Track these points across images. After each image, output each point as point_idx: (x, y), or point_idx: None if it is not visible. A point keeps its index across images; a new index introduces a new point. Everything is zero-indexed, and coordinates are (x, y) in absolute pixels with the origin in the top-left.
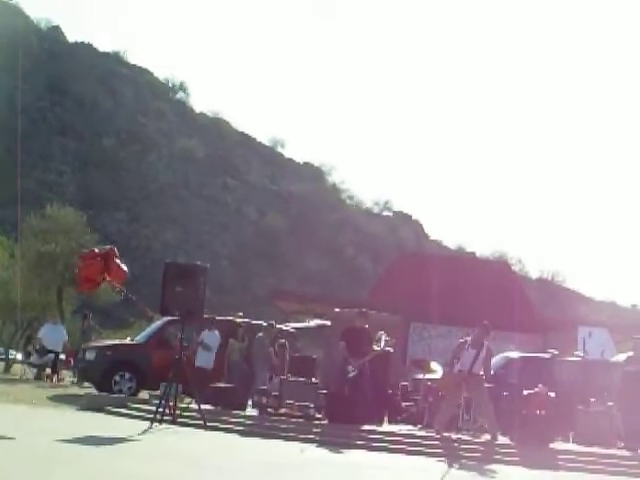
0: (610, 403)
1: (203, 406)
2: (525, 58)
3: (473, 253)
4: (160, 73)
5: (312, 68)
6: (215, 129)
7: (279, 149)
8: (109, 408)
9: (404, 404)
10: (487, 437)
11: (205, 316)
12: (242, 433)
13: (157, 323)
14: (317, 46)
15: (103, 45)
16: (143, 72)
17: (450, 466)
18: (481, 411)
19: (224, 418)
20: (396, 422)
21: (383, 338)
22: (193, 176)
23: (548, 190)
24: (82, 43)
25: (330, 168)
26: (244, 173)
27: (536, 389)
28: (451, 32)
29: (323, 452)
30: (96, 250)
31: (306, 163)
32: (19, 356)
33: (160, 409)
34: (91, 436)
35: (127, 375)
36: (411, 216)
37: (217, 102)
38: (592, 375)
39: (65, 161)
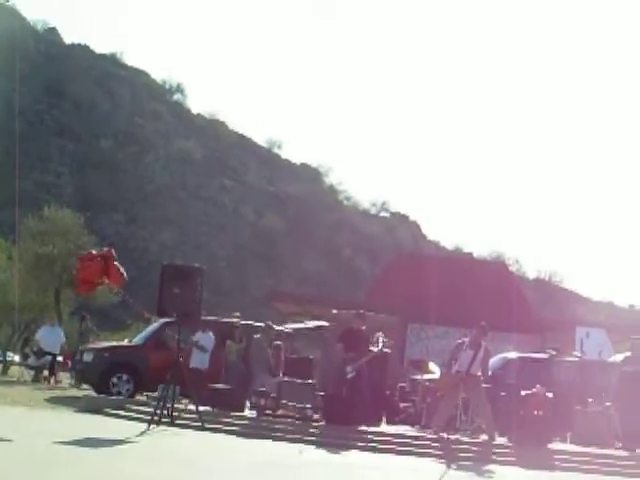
0: (608, 403)
1: (201, 407)
2: (522, 59)
3: (470, 254)
4: (157, 75)
5: (309, 69)
6: (212, 130)
7: (276, 150)
8: (107, 410)
9: (402, 405)
10: (485, 437)
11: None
12: (240, 434)
13: (154, 325)
14: (314, 47)
15: (100, 47)
16: (140, 74)
17: (448, 467)
18: (479, 412)
19: (222, 419)
20: (394, 423)
21: (381, 339)
22: (190, 177)
23: (545, 190)
24: (79, 45)
25: (327, 169)
26: (241, 174)
27: (534, 389)
28: (447, 34)
29: (321, 453)
30: (94, 252)
31: (303, 164)
32: (16, 358)
33: (158, 411)
34: (89, 438)
35: (125, 377)
36: (408, 217)
37: (214, 103)
38: (590, 375)
39: (63, 163)
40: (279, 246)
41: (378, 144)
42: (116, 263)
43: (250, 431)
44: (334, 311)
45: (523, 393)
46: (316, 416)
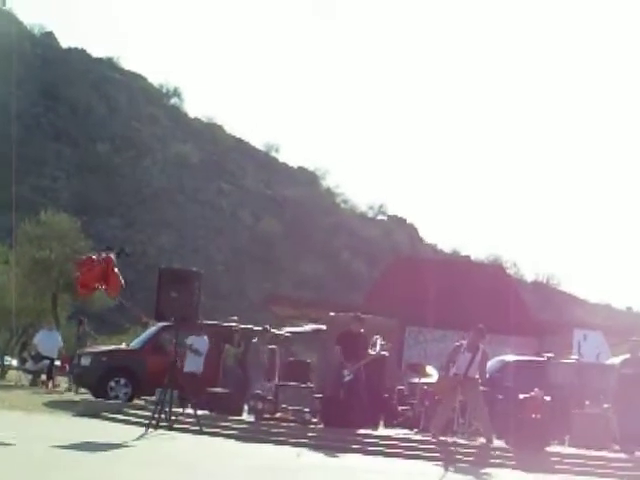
0: (606, 406)
1: (199, 412)
2: (518, 67)
3: (468, 256)
4: (154, 79)
5: (306, 73)
6: (209, 134)
7: (273, 154)
8: (105, 414)
9: (400, 408)
10: (482, 440)
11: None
12: (238, 438)
13: (152, 329)
14: (311, 52)
15: (97, 51)
16: (137, 78)
17: (446, 470)
18: (476, 415)
19: (220, 423)
20: (392, 426)
21: (379, 342)
22: (188, 181)
23: (543, 193)
24: (76, 49)
25: (324, 172)
26: (239, 178)
27: (532, 392)
28: (443, 40)
29: (319, 456)
30: (93, 257)
31: (300, 167)
32: (14, 362)
33: (156, 415)
34: (87, 442)
35: (122, 381)
36: (406, 220)
37: (211, 107)
38: (587, 378)
39: (59, 167)
40: (277, 249)
41: (375, 147)
42: (116, 270)
43: (248, 435)
44: (332, 314)
45: (521, 396)
46: (314, 419)
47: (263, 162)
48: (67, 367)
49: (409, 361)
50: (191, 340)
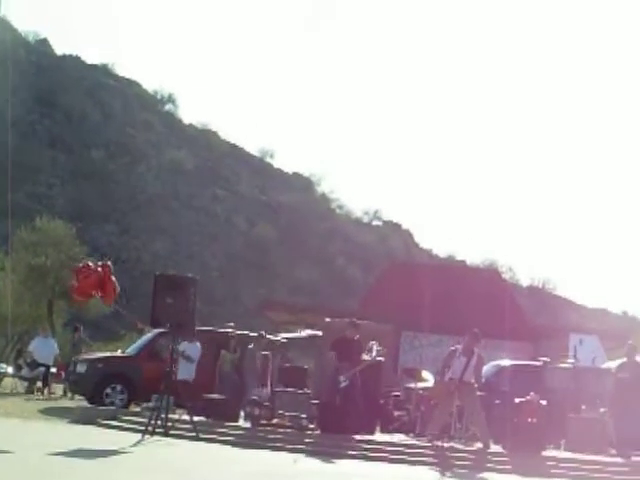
0: (602, 410)
1: (195, 418)
2: (512, 76)
3: (463, 261)
4: (149, 85)
5: (300, 79)
6: (204, 140)
7: (268, 159)
8: (100, 421)
9: (396, 413)
10: (479, 445)
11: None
12: (234, 444)
13: (148, 335)
14: (305, 58)
15: (91, 57)
16: (131, 84)
17: (443, 475)
18: (473, 419)
19: (216, 429)
20: (388, 431)
21: (375, 348)
22: (182, 187)
23: (539, 198)
24: (70, 55)
25: (319, 178)
26: (233, 184)
27: (528, 397)
28: (436, 47)
29: (316, 462)
30: (90, 264)
31: (295, 173)
32: (10, 370)
33: (152, 421)
34: (83, 449)
35: (118, 387)
36: (401, 225)
37: (206, 113)
38: (583, 382)
39: (54, 174)
40: (272, 255)
41: (370, 153)
42: (113, 279)
43: (245, 441)
44: (327, 320)
45: (517, 400)
46: (311, 425)
47: (258, 168)
48: (63, 374)
49: (405, 366)
50: (183, 347)
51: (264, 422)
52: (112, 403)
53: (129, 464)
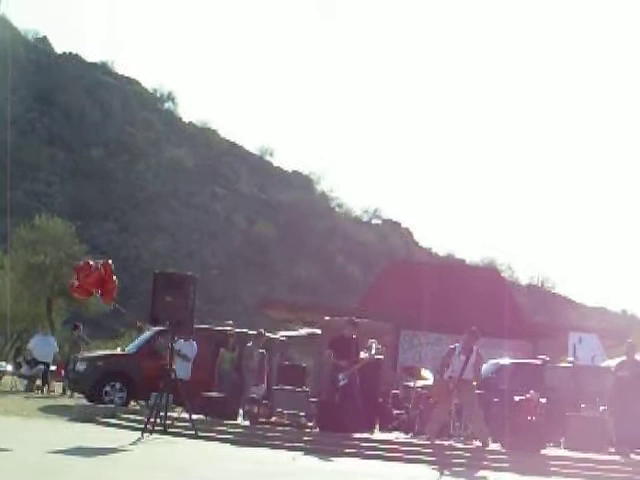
0: (601, 408)
1: (194, 416)
2: (511, 76)
3: (463, 260)
4: (148, 83)
5: (300, 77)
6: (203, 138)
7: (268, 157)
8: (100, 419)
9: (395, 412)
10: (478, 444)
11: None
12: (233, 442)
13: (147, 333)
14: (305, 56)
15: (91, 56)
16: (131, 82)
17: (441, 473)
18: (471, 417)
19: (215, 427)
20: (387, 430)
21: (374, 346)
22: (182, 185)
23: (538, 196)
24: (70, 54)
25: (319, 176)
26: (233, 182)
27: (527, 395)
28: (436, 46)
29: (314, 460)
30: (91, 262)
31: (295, 171)
32: (9, 368)
33: (151, 419)
34: (82, 447)
35: (118, 385)
36: (400, 224)
37: (205, 111)
38: (583, 381)
39: (53, 172)
40: (271, 253)
41: (370, 151)
42: (114, 278)
43: (243, 439)
44: (327, 318)
45: (516, 399)
46: (309, 423)
47: (257, 166)
48: (62, 372)
49: (404, 364)
50: (179, 345)
51: (263, 420)
52: (111, 401)
53: (128, 462)
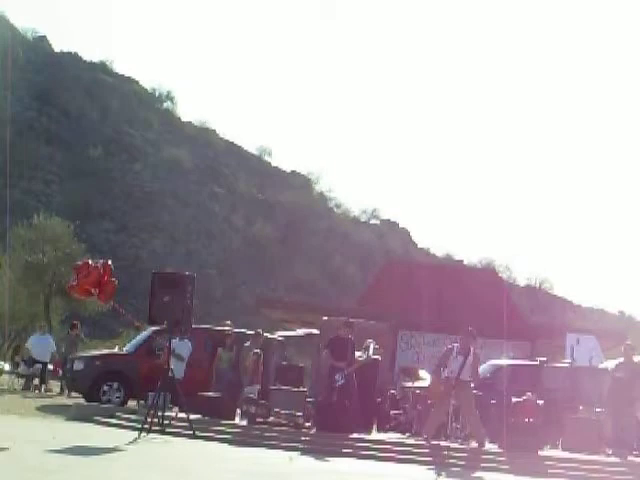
0: (599, 410)
1: (192, 416)
2: (511, 77)
3: (461, 261)
4: (146, 82)
5: (298, 77)
6: (202, 138)
7: (266, 157)
8: (97, 418)
9: (393, 412)
10: (475, 444)
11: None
12: (231, 442)
13: (145, 333)
14: (302, 55)
15: (89, 55)
16: (129, 81)
17: (438, 474)
18: (468, 418)
19: (212, 427)
20: (385, 430)
21: (372, 346)
22: (180, 185)
23: (536, 198)
24: (69, 53)
25: (317, 176)
26: (231, 182)
27: (524, 396)
28: (434, 46)
29: (311, 461)
30: (90, 262)
31: (293, 171)
32: (7, 367)
33: (149, 419)
34: (80, 446)
35: (115, 385)
36: (398, 224)
37: (204, 111)
38: (580, 382)
39: (52, 171)
40: (270, 253)
41: (368, 151)
42: (113, 279)
43: (241, 439)
44: (325, 318)
45: (514, 400)
46: (307, 424)
47: (256, 166)
48: (60, 371)
49: (402, 365)
50: (173, 345)
51: (260, 420)
52: (109, 401)
53: (125, 462)
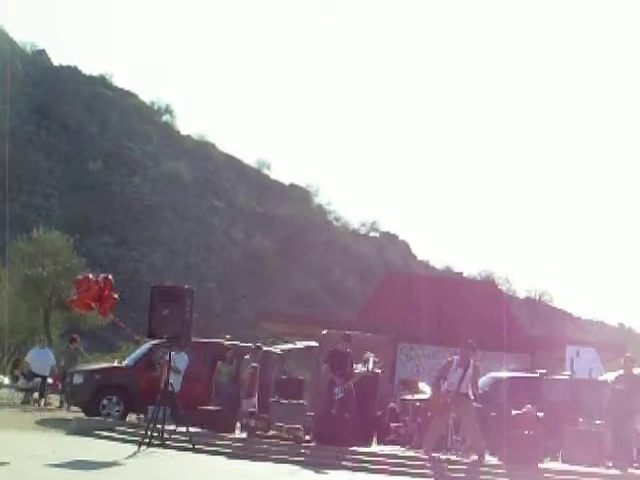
0: (598, 422)
1: (191, 429)
2: (509, 89)
3: (460, 273)
4: (146, 96)
5: (297, 91)
6: (201, 152)
7: (265, 171)
8: (97, 432)
9: (393, 425)
10: (475, 457)
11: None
12: (230, 456)
13: (145, 346)
14: (301, 69)
15: (89, 68)
16: (129, 95)
17: None
18: (468, 431)
19: (212, 441)
20: (385, 443)
21: (371, 359)
22: (180, 198)
23: (536, 210)
24: (68, 67)
25: (316, 189)
26: (231, 195)
27: (524, 409)
28: (431, 56)
29: (311, 474)
30: (90, 276)
31: (292, 184)
32: (6, 380)
33: (148, 432)
34: (79, 460)
35: (115, 398)
36: (398, 236)
37: (203, 124)
38: (580, 394)
39: (51, 184)
40: (269, 267)
41: (367, 164)
42: (114, 294)
43: (241, 452)
44: (324, 332)
45: (514, 412)
46: (307, 437)
47: (255, 179)
48: (59, 385)
49: (401, 377)
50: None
51: (260, 433)
52: (109, 414)
53: (125, 475)
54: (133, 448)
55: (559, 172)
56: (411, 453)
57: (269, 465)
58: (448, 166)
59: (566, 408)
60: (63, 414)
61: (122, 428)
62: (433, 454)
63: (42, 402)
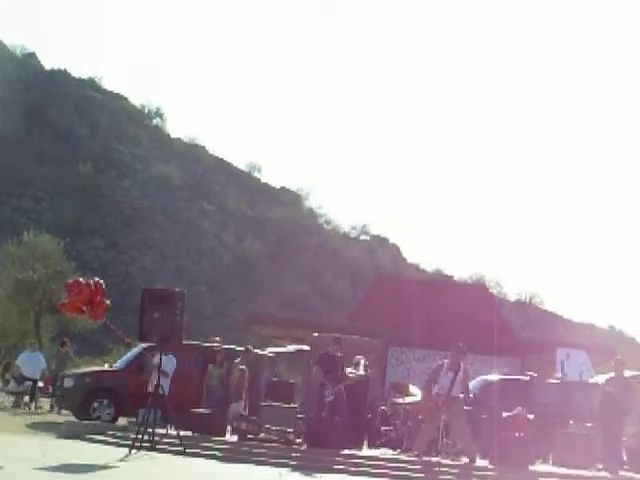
0: (589, 424)
1: (182, 432)
2: (504, 91)
3: (451, 276)
4: (136, 99)
5: (287, 94)
6: (192, 155)
7: (256, 174)
8: (88, 435)
9: (383, 428)
10: (466, 460)
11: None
12: (221, 459)
13: (135, 349)
14: (291, 72)
15: (78, 71)
16: (119, 98)
17: None
18: (459, 434)
19: (203, 444)
20: (375, 446)
21: (362, 363)
22: (170, 202)
23: (526, 213)
24: (58, 70)
25: (307, 193)
26: (221, 198)
27: (515, 411)
28: (421, 60)
29: (301, 477)
30: (81, 280)
31: (283, 188)
32: None
33: (139, 436)
34: (70, 464)
35: (105, 402)
36: (388, 240)
37: (193, 128)
38: (571, 397)
39: (41, 188)
40: (260, 270)
41: (357, 168)
42: (105, 300)
43: (231, 455)
44: (315, 335)
45: (504, 415)
46: (298, 440)
47: (245, 182)
48: (50, 388)
49: (392, 381)
50: (157, 360)
51: (251, 436)
52: (99, 417)
53: (116, 479)
54: (124, 451)
55: (549, 175)
56: (402, 456)
57: (260, 468)
58: (439, 169)
59: (557, 411)
60: (54, 417)
61: (113, 431)
62: (424, 457)
63: (33, 405)
